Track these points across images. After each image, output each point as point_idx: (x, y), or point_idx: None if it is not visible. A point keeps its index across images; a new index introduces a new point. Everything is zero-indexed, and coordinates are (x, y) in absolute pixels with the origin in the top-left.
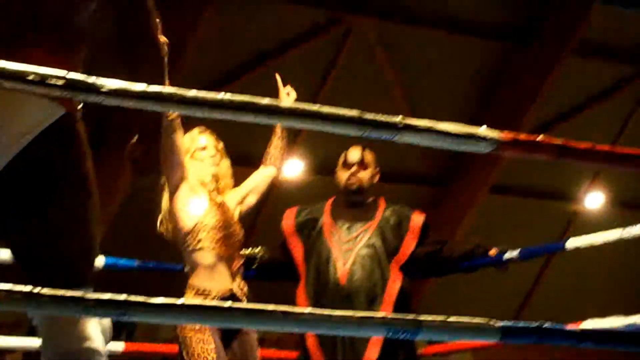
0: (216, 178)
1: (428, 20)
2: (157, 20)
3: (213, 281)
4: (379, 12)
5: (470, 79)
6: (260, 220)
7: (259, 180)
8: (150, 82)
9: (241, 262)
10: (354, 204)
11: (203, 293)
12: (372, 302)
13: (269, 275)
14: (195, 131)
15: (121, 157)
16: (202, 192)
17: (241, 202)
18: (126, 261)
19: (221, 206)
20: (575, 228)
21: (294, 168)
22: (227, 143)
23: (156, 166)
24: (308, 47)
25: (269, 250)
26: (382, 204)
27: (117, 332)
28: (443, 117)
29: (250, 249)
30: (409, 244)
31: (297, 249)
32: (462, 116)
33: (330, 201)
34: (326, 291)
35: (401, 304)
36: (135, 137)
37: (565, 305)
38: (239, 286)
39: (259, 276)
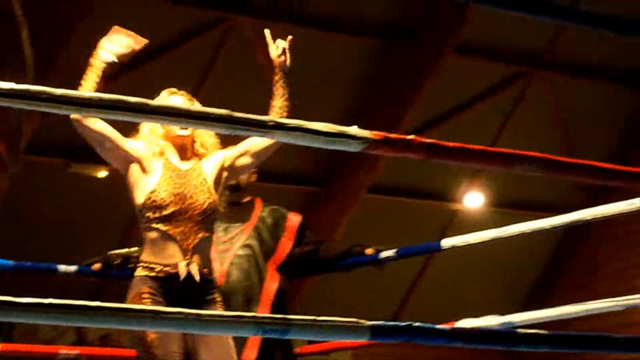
0: (178, 141)
1: (307, 19)
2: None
3: (158, 257)
4: (259, 11)
5: (350, 79)
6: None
7: (257, 140)
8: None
9: (201, 236)
10: (231, 203)
11: (148, 267)
12: (249, 302)
13: None
14: (164, 94)
15: None
16: (155, 165)
17: (231, 165)
18: (2, 261)
19: (182, 176)
20: (454, 228)
21: None
22: None
23: (17, 163)
24: (188, 47)
25: None
26: (258, 204)
27: None
28: (324, 117)
29: (126, 249)
30: (286, 245)
31: None
32: (343, 115)
33: None
34: None
35: (278, 305)
36: None
37: (446, 305)
38: (196, 263)
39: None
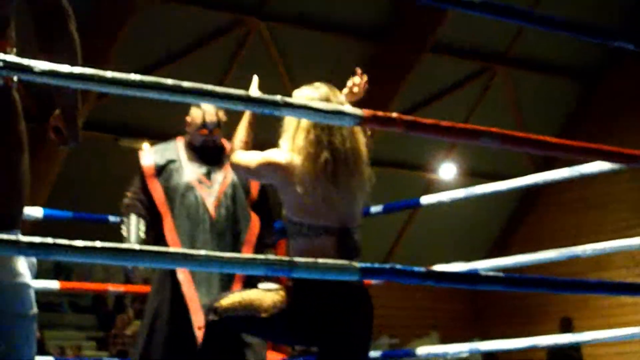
0: None
1: (316, 21)
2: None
3: None
4: (272, 14)
5: (344, 73)
6: None
7: None
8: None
9: None
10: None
11: None
12: (237, 239)
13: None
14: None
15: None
16: None
17: None
18: (62, 212)
19: None
20: (431, 193)
21: None
22: None
23: (75, 138)
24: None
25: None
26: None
27: (57, 273)
28: None
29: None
30: (255, 185)
31: (158, 191)
32: None
33: (182, 142)
34: (198, 229)
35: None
36: (58, 111)
37: (423, 255)
38: None
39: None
